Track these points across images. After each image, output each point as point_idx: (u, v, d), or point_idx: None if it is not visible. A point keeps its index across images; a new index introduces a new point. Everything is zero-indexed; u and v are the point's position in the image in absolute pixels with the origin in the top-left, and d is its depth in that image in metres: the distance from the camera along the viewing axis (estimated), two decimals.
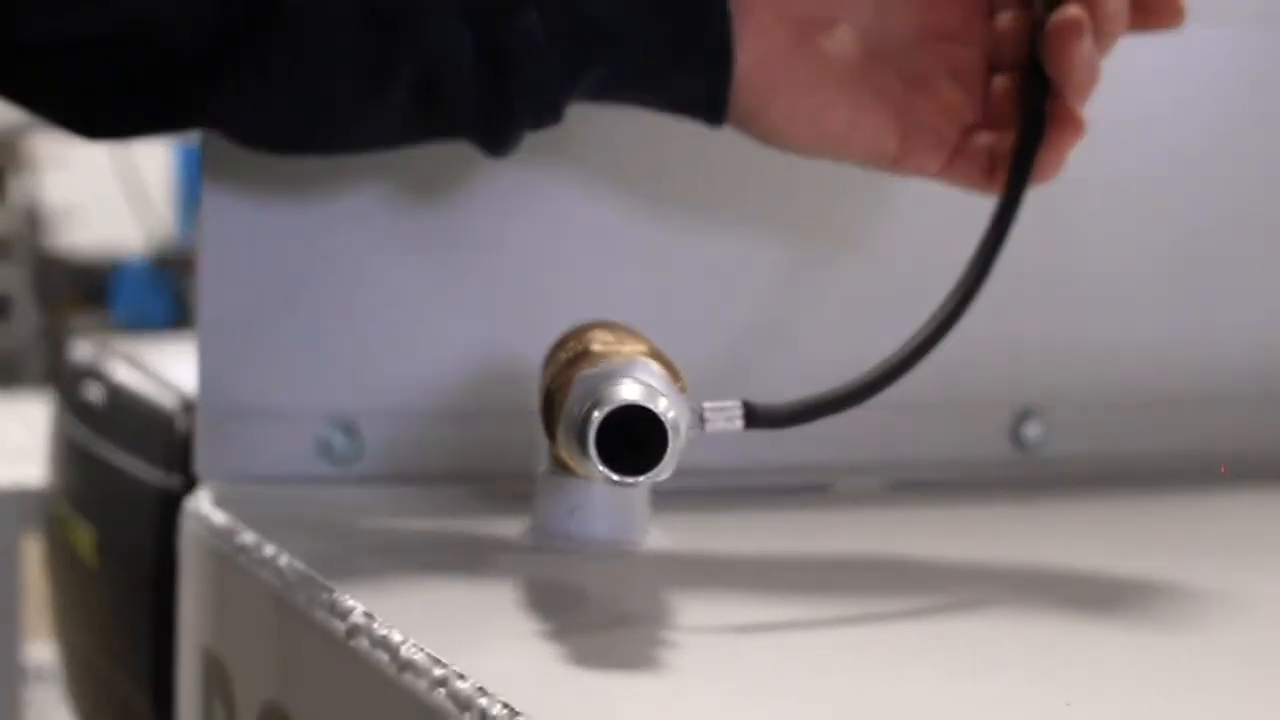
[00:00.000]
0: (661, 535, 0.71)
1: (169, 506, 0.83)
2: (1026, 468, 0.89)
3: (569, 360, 0.62)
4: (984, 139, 0.70)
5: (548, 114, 0.66)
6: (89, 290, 3.82)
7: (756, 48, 0.66)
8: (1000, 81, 0.69)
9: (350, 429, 0.79)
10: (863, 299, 0.86)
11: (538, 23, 0.64)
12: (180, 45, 0.64)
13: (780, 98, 0.67)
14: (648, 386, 0.58)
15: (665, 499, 0.70)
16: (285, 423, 0.78)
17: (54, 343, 3.44)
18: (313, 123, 0.68)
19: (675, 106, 0.68)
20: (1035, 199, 0.84)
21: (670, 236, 0.83)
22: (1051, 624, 0.62)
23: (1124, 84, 0.88)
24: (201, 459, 0.78)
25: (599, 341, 0.63)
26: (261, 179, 0.77)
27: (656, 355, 0.62)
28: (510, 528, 0.72)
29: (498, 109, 0.65)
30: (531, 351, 0.70)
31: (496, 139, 0.67)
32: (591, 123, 0.73)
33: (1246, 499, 0.88)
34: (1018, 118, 0.68)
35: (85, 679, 1.02)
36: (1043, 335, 0.90)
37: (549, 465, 0.69)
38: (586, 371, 0.59)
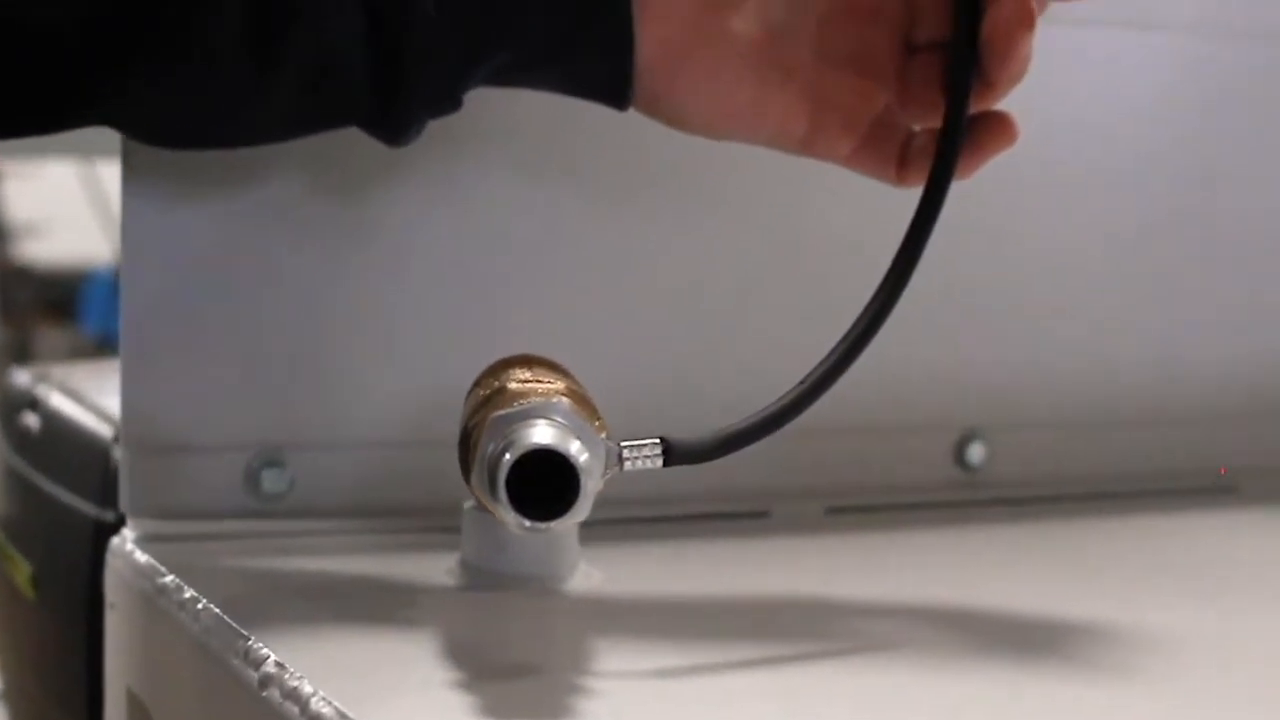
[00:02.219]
0: (591, 571, 0.70)
1: (104, 540, 0.81)
2: (970, 490, 0.88)
3: (485, 399, 0.61)
4: (897, 127, 0.68)
5: (446, 101, 0.65)
6: (56, 303, 3.79)
7: (659, 29, 0.64)
8: (917, 63, 0.67)
9: (278, 463, 0.77)
10: (792, 313, 0.84)
11: (432, 10, 0.62)
12: (60, 37, 0.62)
13: (685, 79, 0.66)
14: (561, 428, 0.57)
15: (600, 530, 0.69)
16: (211, 457, 0.77)
17: (21, 357, 3.41)
18: (201, 116, 0.66)
19: (578, 91, 0.66)
20: (977, 221, 0.83)
21: (606, 262, 0.82)
22: (984, 664, 0.61)
23: (1065, 101, 0.88)
24: (127, 496, 0.77)
25: (515, 379, 0.62)
26: (183, 205, 0.76)
27: (573, 394, 0.61)
28: (438, 564, 0.71)
29: (392, 96, 0.64)
30: (462, 381, 0.69)
31: (392, 127, 0.65)
32: (527, 143, 0.72)
33: (1192, 520, 0.88)
34: (940, 105, 0.66)
35: (24, 711, 1.01)
36: (985, 357, 0.89)
37: (474, 502, 0.68)
38: (500, 412, 0.58)
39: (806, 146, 0.68)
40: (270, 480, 0.77)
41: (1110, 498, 0.90)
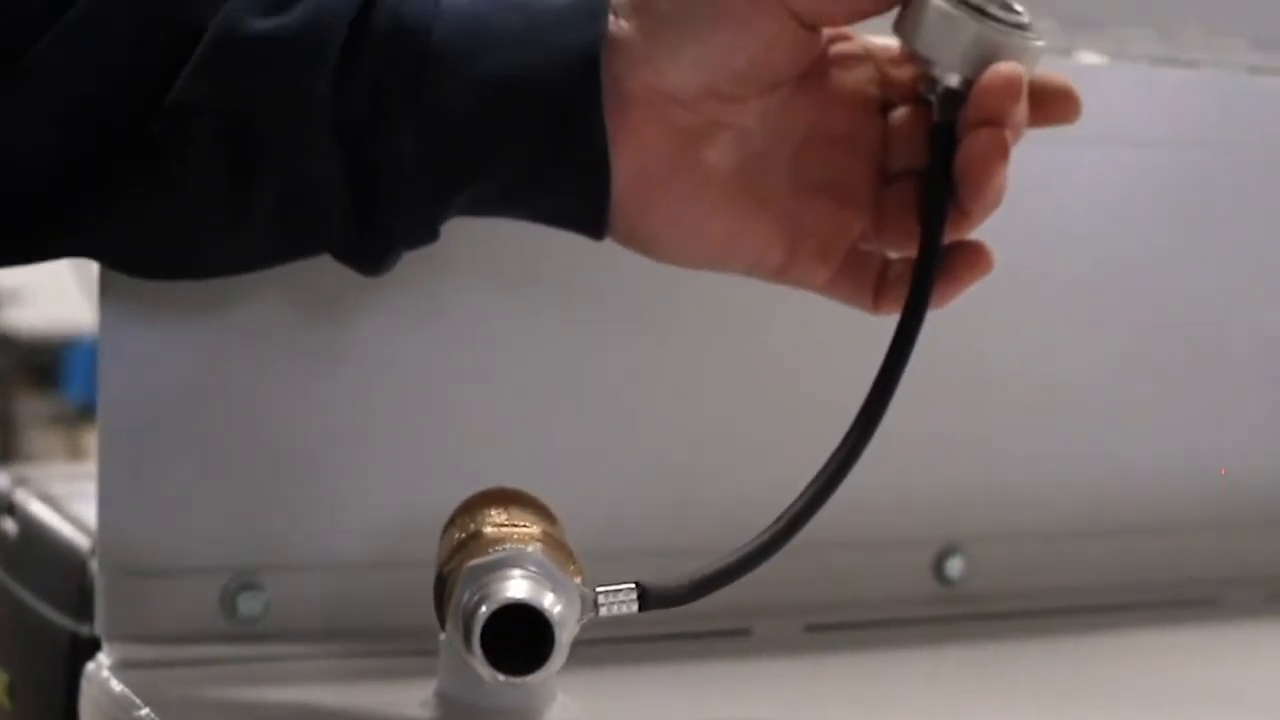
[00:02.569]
0: (568, 702, 0.70)
1: (79, 653, 0.81)
2: (950, 604, 0.88)
3: (460, 544, 0.61)
4: (873, 255, 0.68)
5: (422, 233, 0.65)
6: (38, 370, 3.79)
7: (635, 160, 0.64)
8: (893, 191, 0.67)
9: (254, 585, 0.77)
10: (774, 434, 0.84)
11: (409, 141, 0.63)
12: (40, 173, 0.63)
13: (660, 210, 0.66)
14: (535, 581, 0.57)
15: (577, 649, 0.69)
16: (188, 580, 0.77)
17: (3, 424, 3.41)
18: (180, 249, 0.66)
19: (555, 221, 0.67)
20: (951, 335, 0.83)
21: (584, 385, 0.82)
22: None
23: (1038, 217, 0.88)
24: (104, 619, 0.76)
25: (491, 523, 0.62)
26: (160, 329, 0.76)
27: (548, 539, 0.61)
28: (414, 694, 0.70)
29: (368, 230, 0.64)
30: (438, 502, 0.69)
31: (368, 260, 0.66)
32: (504, 266, 0.72)
33: (1173, 636, 0.88)
34: (916, 232, 0.66)
35: None
36: (963, 470, 0.89)
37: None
38: (475, 561, 0.58)
39: (783, 275, 0.68)
40: (246, 603, 0.77)
41: (1090, 611, 0.90)
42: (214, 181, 0.62)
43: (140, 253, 0.66)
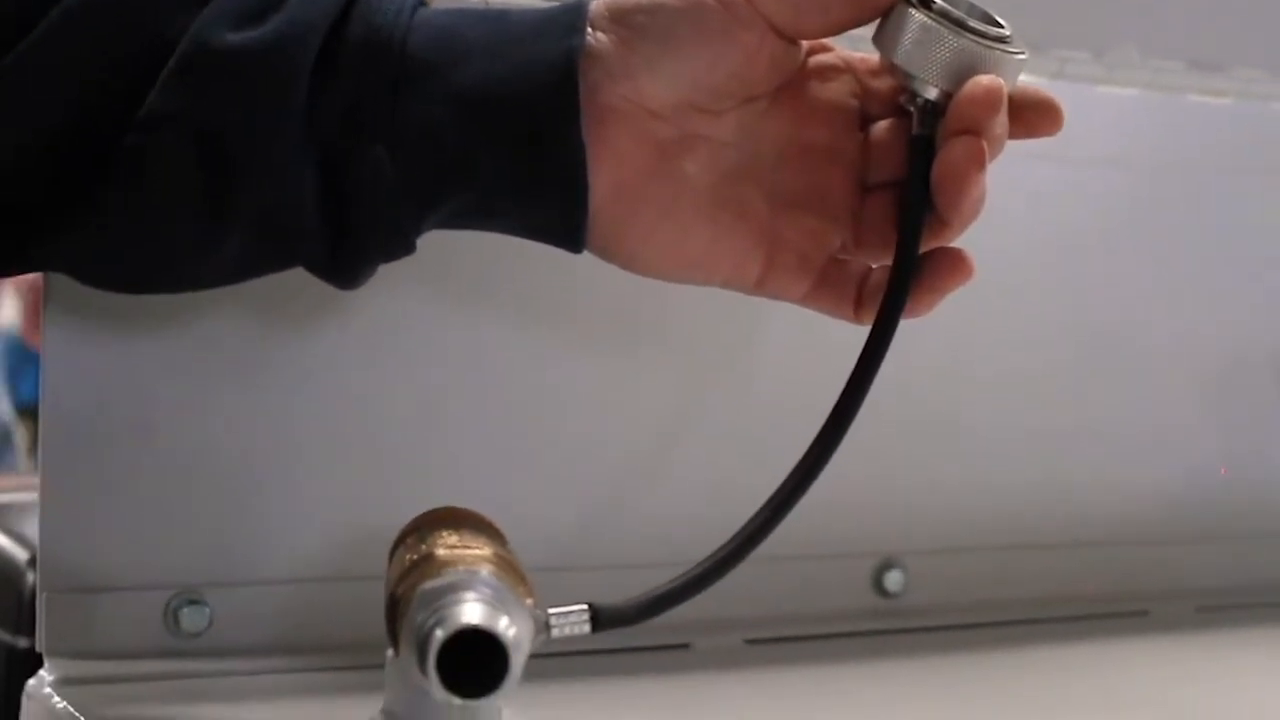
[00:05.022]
0: (514, 718, 0.70)
1: (17, 667, 0.81)
2: (889, 618, 0.89)
3: (412, 564, 0.61)
4: (853, 264, 0.68)
5: (397, 247, 0.64)
6: None
7: (612, 174, 0.64)
8: (873, 202, 0.67)
9: (197, 600, 0.77)
10: (730, 450, 0.85)
11: (384, 156, 0.62)
12: (9, 189, 0.62)
13: (638, 223, 0.65)
14: (489, 604, 0.57)
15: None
16: (131, 596, 0.76)
17: None
18: (153, 264, 0.65)
19: (532, 234, 0.66)
20: (894, 351, 0.83)
21: (532, 401, 0.82)
22: None
23: (987, 231, 0.89)
24: (45, 636, 0.76)
25: (443, 544, 0.62)
26: (105, 343, 0.75)
27: (500, 560, 0.61)
28: (361, 710, 0.70)
29: (343, 245, 0.64)
30: (384, 518, 0.69)
31: (343, 273, 0.65)
32: (455, 281, 0.71)
33: (1107, 648, 0.89)
34: (893, 241, 0.65)
35: None
36: (902, 484, 0.90)
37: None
38: (429, 585, 0.58)
39: (761, 287, 0.68)
40: (190, 619, 0.77)
41: (1027, 624, 0.91)
42: (187, 196, 0.62)
43: (115, 266, 0.65)
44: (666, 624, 0.82)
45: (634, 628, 0.81)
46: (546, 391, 0.82)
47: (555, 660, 0.78)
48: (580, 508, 0.83)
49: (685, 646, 0.84)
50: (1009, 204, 0.90)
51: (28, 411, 3.40)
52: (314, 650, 0.78)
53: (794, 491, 0.65)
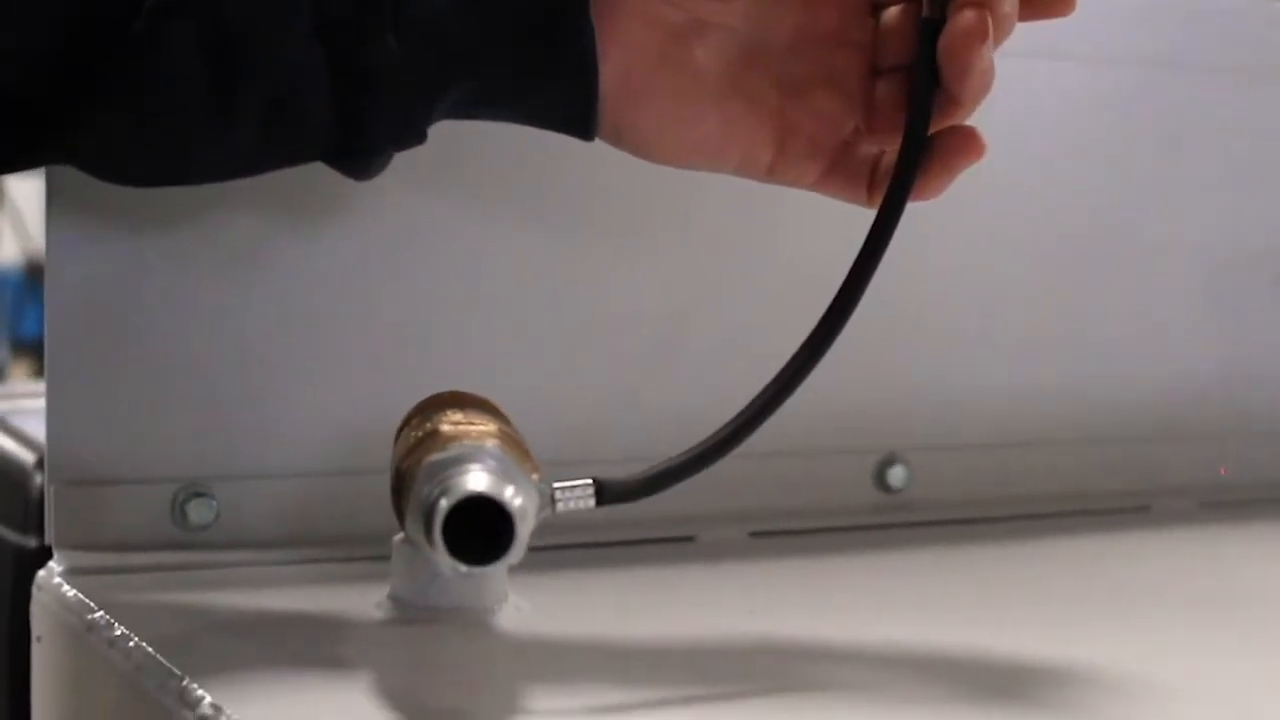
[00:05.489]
0: (520, 602, 0.71)
1: (25, 568, 0.81)
2: (892, 513, 0.89)
3: (418, 441, 0.62)
4: (865, 148, 0.68)
5: (409, 135, 0.64)
6: None
7: (623, 60, 0.64)
8: (884, 86, 0.67)
9: (204, 493, 0.77)
10: (731, 340, 0.85)
11: (393, 41, 0.62)
12: (22, 81, 0.62)
13: (649, 109, 0.65)
14: (494, 475, 0.57)
15: (529, 556, 0.69)
16: (138, 489, 0.77)
17: None
18: (164, 151, 0.65)
19: (542, 122, 0.66)
20: (895, 245, 0.84)
21: (535, 292, 0.82)
22: (909, 700, 0.62)
23: (982, 127, 0.89)
24: (54, 528, 0.76)
25: (448, 421, 0.62)
26: (109, 238, 0.76)
27: (505, 436, 0.61)
28: (368, 597, 0.71)
29: (354, 130, 0.63)
30: (389, 411, 0.69)
31: (356, 161, 0.65)
32: (457, 173, 0.72)
33: (1107, 542, 0.89)
34: (903, 123, 0.65)
35: None
36: (905, 380, 0.90)
37: (403, 536, 0.68)
38: (434, 457, 0.59)
39: (773, 174, 0.68)
40: (197, 511, 0.77)
41: (1028, 518, 0.91)
42: (196, 85, 0.61)
43: (125, 158, 0.65)
44: (671, 516, 0.84)
45: (641, 521, 0.82)
46: (555, 284, 0.83)
47: (562, 552, 0.79)
48: (589, 402, 0.83)
49: (690, 539, 0.85)
50: (1016, 99, 0.90)
51: (29, 348, 3.40)
52: (320, 543, 0.79)
53: (800, 370, 0.65)
